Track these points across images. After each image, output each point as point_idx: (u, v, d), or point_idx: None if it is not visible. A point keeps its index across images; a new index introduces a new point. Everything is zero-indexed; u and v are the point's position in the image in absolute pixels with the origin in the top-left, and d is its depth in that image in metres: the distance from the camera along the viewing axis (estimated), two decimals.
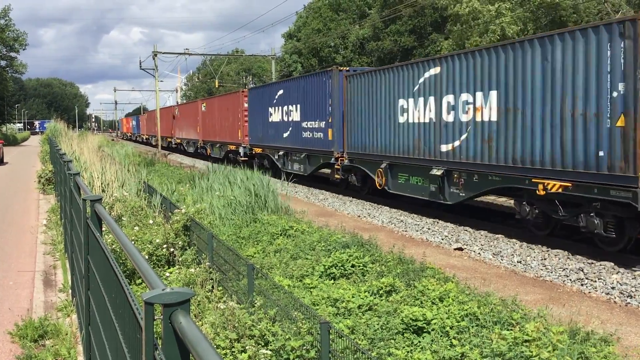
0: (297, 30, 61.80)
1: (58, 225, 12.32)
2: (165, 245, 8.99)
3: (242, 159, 28.53)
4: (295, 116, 22.54)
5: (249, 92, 29.21)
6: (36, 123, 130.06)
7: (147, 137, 65.62)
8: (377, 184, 16.90)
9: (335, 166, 19.53)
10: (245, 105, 29.08)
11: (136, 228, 9.66)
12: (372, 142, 17.20)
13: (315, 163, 21.17)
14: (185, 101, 61.16)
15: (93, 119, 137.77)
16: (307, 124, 21.54)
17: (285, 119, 23.56)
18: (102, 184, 13.63)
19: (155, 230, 9.39)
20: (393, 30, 48.47)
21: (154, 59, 45.30)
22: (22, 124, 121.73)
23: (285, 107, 23.69)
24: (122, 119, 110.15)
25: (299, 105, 22.27)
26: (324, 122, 20.14)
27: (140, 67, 48.52)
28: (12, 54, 68.74)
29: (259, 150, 26.82)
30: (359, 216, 15.71)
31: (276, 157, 24.44)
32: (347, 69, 20.03)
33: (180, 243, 9.16)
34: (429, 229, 13.53)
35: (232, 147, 31.01)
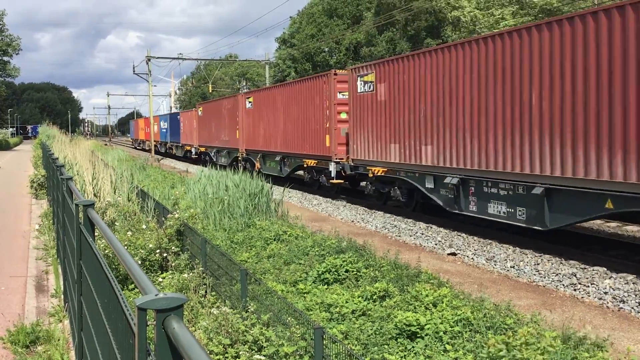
0: (290, 36, 61.83)
1: (50, 230, 12.25)
2: (158, 251, 8.95)
3: None
4: None
5: None
6: (29, 128, 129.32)
7: (202, 149, 35.96)
8: None
9: None
10: None
11: (129, 233, 9.62)
12: None
13: None
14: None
15: (86, 124, 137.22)
16: None
17: None
18: (94, 188, 13.58)
19: (149, 235, 9.36)
20: (387, 37, 48.58)
21: (147, 63, 45.24)
22: (14, 129, 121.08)
23: None
24: (135, 120, 79.80)
25: None
26: None
27: (134, 72, 48.44)
28: (5, 59, 68.59)
29: None
30: (352, 221, 15.71)
31: None
32: None
33: (173, 248, 9.13)
34: (422, 234, 13.54)
35: None
